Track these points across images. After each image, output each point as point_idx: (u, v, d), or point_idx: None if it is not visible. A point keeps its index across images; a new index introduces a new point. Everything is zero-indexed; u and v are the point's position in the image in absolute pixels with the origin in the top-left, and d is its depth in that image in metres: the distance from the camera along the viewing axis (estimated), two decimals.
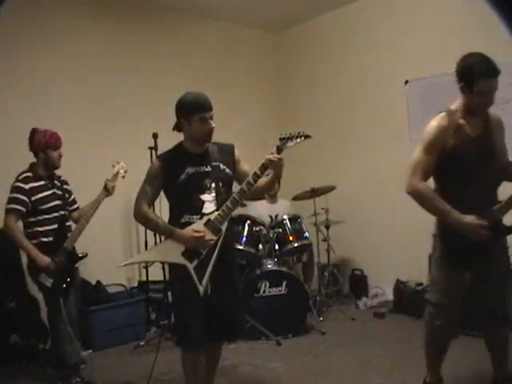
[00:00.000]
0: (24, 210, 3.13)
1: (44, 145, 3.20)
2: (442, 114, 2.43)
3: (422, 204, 2.40)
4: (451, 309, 2.45)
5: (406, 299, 4.49)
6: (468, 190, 2.36)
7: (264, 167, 2.46)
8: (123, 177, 3.52)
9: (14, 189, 3.15)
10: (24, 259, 3.75)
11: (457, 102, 2.45)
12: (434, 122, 2.41)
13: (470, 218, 2.30)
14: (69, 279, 3.20)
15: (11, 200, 3.13)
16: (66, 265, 3.17)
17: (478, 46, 4.13)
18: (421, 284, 4.39)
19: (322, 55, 5.68)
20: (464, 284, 2.40)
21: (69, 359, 3.21)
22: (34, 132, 3.25)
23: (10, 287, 3.74)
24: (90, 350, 3.89)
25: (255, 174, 2.47)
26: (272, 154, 2.47)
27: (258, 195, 2.76)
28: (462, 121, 2.39)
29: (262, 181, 2.57)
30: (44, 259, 3.09)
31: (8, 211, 3.11)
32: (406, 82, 4.80)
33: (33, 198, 3.15)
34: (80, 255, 3.30)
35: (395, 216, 4.97)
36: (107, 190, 3.39)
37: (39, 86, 4.24)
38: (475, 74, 2.30)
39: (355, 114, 5.35)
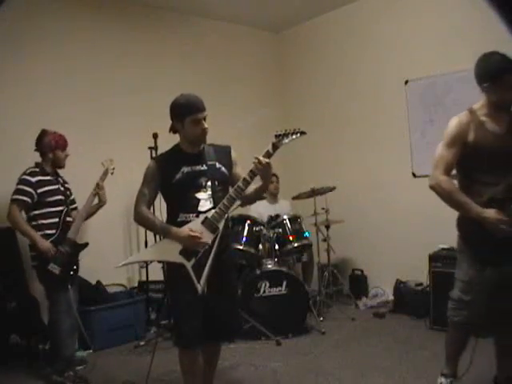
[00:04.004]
0: (29, 200, 3.28)
1: (54, 146, 3.41)
2: (464, 112, 2.46)
3: (444, 197, 2.42)
4: (471, 306, 2.42)
5: (406, 299, 4.49)
6: (489, 185, 2.36)
7: (256, 168, 2.43)
8: (112, 173, 3.68)
9: (21, 181, 3.31)
10: (25, 259, 3.77)
11: (479, 103, 2.47)
12: (455, 119, 2.45)
13: (490, 212, 2.30)
14: (75, 267, 3.40)
15: (17, 191, 3.29)
16: (70, 254, 3.35)
17: (477, 45, 4.17)
18: (421, 284, 4.39)
19: (322, 55, 5.68)
20: (485, 281, 2.37)
21: (65, 351, 3.31)
22: (43, 133, 3.44)
23: (9, 287, 3.73)
24: (90, 350, 3.89)
25: (251, 171, 2.45)
26: (257, 160, 2.40)
27: (250, 200, 2.75)
28: (484, 118, 2.41)
29: (251, 187, 2.55)
30: (45, 243, 3.24)
31: (13, 201, 3.27)
32: (406, 81, 4.80)
33: (39, 191, 3.31)
34: (82, 244, 3.49)
35: (395, 216, 4.98)
36: (97, 197, 3.61)
37: (38, 87, 4.23)
38: (502, 70, 2.35)
39: (355, 114, 5.34)
